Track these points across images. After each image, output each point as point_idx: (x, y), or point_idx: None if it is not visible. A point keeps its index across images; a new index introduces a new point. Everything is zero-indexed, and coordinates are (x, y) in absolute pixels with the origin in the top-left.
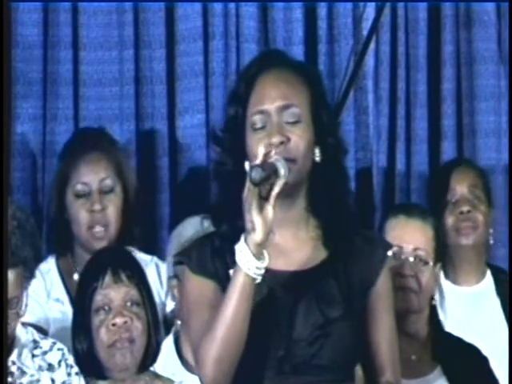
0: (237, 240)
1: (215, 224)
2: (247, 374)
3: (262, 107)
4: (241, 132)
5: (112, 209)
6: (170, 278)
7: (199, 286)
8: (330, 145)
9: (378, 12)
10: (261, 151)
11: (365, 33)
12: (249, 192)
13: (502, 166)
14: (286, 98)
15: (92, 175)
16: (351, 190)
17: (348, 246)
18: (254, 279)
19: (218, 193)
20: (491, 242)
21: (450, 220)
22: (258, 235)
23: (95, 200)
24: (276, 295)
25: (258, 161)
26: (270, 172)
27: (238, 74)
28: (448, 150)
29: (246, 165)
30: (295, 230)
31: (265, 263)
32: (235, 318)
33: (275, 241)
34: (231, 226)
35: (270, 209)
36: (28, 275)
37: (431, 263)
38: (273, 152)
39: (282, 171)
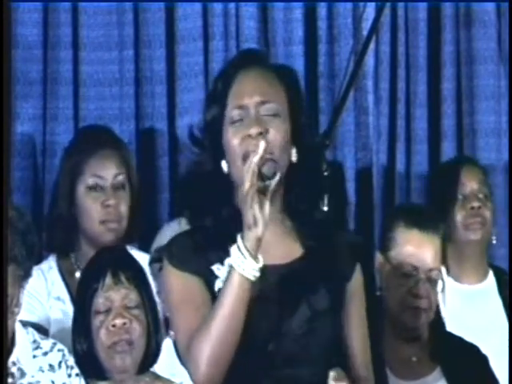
0: (221, 232)
1: (197, 219)
2: (239, 369)
3: (241, 102)
4: (219, 132)
5: (124, 205)
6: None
7: (184, 282)
8: (306, 146)
9: (378, 12)
10: (262, 146)
11: (365, 33)
12: (251, 187)
13: (502, 165)
14: (264, 94)
15: (106, 170)
16: (326, 191)
17: (322, 248)
18: (249, 279)
19: (195, 192)
20: (494, 241)
21: (459, 215)
22: (259, 229)
23: (110, 195)
24: (260, 289)
25: (259, 156)
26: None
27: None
28: (448, 150)
29: (223, 164)
30: (272, 226)
31: (259, 264)
32: (232, 317)
33: None
34: (216, 217)
35: (267, 204)
36: (22, 273)
37: (440, 282)
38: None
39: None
